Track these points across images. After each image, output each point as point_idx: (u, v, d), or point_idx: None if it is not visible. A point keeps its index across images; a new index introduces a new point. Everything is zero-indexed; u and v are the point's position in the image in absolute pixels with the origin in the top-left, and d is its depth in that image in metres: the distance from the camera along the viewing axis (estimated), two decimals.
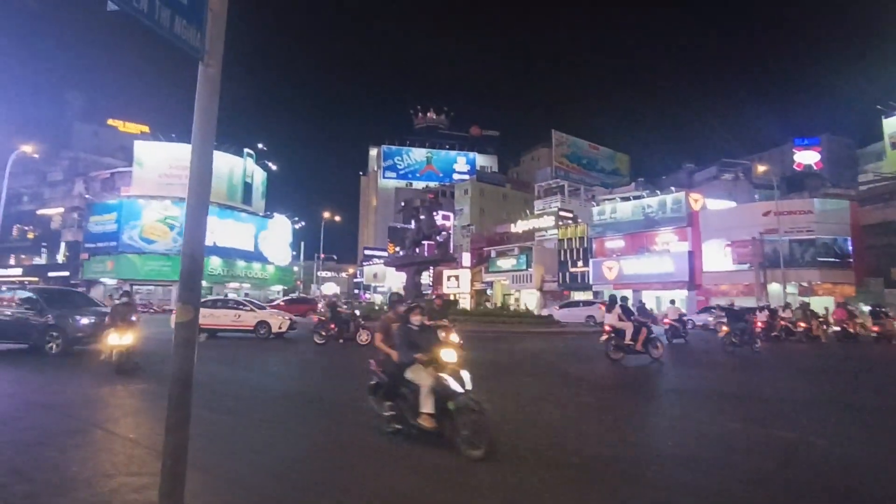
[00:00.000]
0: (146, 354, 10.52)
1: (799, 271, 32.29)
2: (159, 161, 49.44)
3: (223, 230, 51.50)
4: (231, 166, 54.62)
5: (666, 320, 18.30)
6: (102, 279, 48.55)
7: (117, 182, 52.63)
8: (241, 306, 18.47)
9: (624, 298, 13.43)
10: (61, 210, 54.10)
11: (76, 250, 51.39)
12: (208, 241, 53.28)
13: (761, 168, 41.60)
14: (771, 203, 34.10)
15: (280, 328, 17.51)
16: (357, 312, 17.28)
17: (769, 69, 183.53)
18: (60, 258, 53.38)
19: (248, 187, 56.66)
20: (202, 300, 13.97)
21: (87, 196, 52.60)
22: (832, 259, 32.75)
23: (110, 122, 74.03)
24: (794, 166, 56.39)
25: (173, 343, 2.51)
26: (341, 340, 15.66)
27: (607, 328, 12.55)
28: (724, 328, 15.44)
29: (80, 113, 73.95)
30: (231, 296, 42.09)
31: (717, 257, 36.18)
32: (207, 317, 16.92)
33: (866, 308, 25.39)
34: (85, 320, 12.24)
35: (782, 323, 19.76)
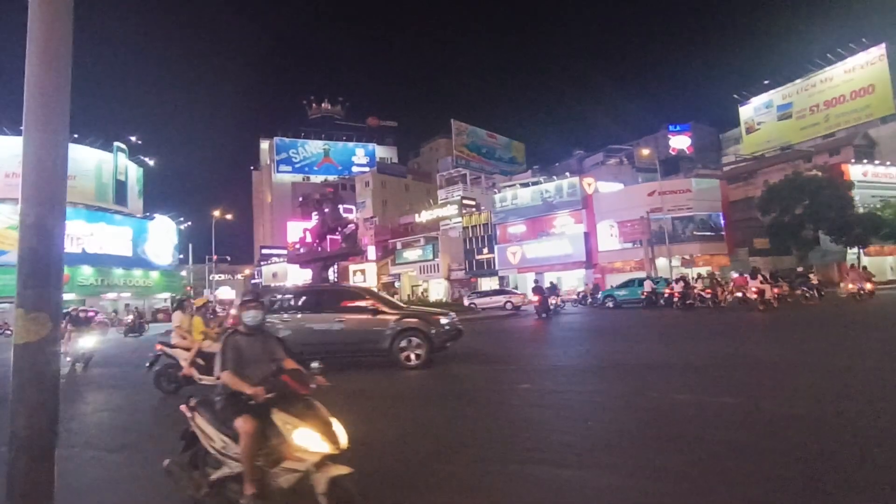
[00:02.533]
0: None
1: (681, 245, 35.27)
2: (4, 158, 42.61)
3: (94, 235, 45.77)
4: (99, 162, 48.58)
5: (644, 292, 24.19)
6: None
7: None
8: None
9: (757, 269, 19.00)
10: None
11: None
12: (76, 248, 47.57)
13: (645, 152, 44.89)
14: (655, 184, 36.91)
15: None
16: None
17: (643, 61, 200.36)
18: None
19: (121, 186, 50.77)
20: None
21: None
22: (708, 233, 36.20)
23: None
24: (670, 150, 61.78)
25: (12, 381, 1.58)
26: (543, 315, 20.43)
27: (755, 289, 17.52)
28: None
29: None
30: (107, 307, 37.60)
31: (611, 237, 38.50)
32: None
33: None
34: (444, 319, 9.82)
35: (695, 292, 21.42)
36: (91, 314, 16.74)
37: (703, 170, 48.49)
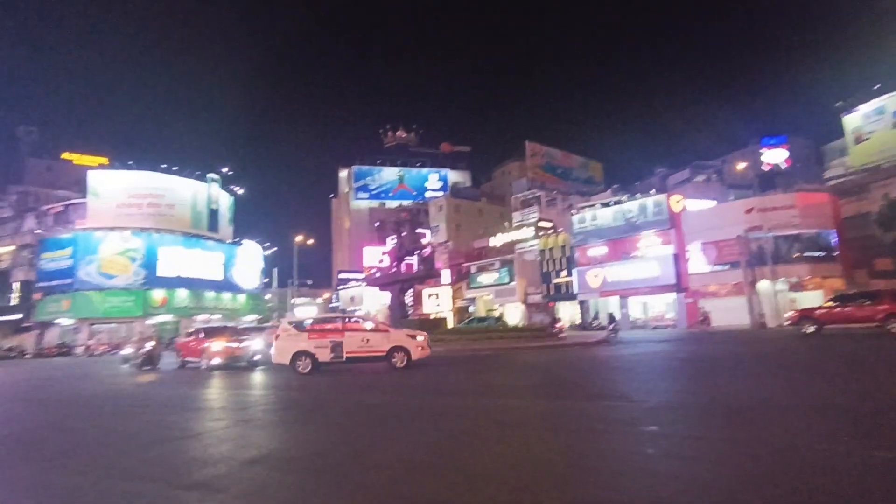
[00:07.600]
0: None
1: (787, 267, 31.98)
2: (116, 190, 46.81)
3: (189, 260, 48.89)
4: (194, 192, 52.23)
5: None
6: (57, 320, 45.22)
7: (71, 215, 49.66)
8: None
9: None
10: (12, 248, 50.60)
11: (30, 290, 47.92)
12: (172, 273, 50.72)
13: (740, 166, 41.77)
14: (753, 200, 34.02)
15: None
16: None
17: (730, 74, 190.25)
18: (14, 299, 49.65)
19: (213, 214, 54.24)
20: None
21: (38, 231, 49.34)
22: (818, 253, 32.56)
23: (64, 155, 70.60)
24: (762, 167, 57.20)
25: None
26: None
27: None
28: None
29: (32, 148, 70.28)
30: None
31: (703, 258, 35.70)
32: None
33: None
34: None
35: None
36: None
37: (805, 184, 44.28)
